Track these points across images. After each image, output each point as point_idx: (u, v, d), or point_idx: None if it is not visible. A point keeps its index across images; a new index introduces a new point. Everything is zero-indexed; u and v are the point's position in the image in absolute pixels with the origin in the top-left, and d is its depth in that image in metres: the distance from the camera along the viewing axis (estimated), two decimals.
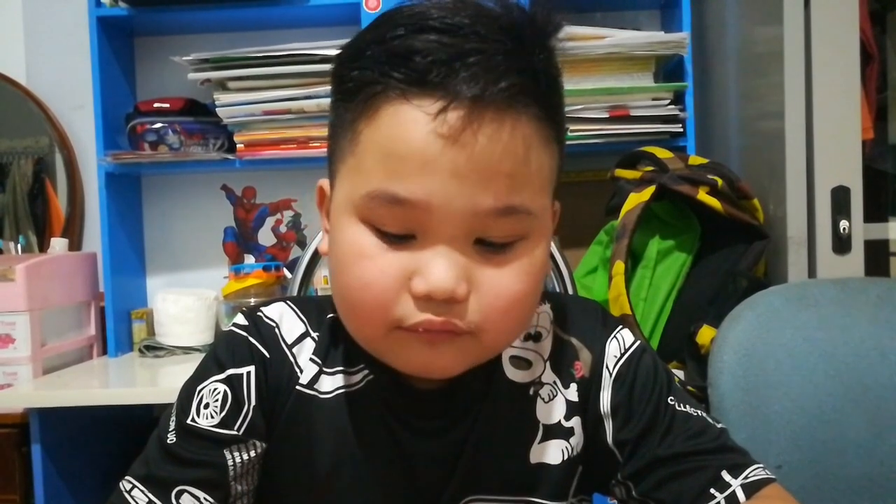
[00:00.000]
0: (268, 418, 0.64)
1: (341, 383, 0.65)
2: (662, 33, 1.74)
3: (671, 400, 0.65)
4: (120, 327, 1.92)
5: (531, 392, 0.66)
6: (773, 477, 0.62)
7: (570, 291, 1.06)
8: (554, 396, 0.66)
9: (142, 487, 0.61)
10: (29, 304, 1.70)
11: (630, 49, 1.67)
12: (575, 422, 0.65)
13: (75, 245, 2.09)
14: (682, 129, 1.70)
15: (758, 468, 0.62)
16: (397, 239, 0.55)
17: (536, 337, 0.67)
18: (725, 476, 0.61)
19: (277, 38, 1.83)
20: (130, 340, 1.96)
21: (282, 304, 0.68)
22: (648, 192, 1.43)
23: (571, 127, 1.67)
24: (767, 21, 1.49)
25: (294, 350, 0.66)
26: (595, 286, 1.57)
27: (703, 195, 1.42)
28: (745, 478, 0.61)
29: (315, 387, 0.65)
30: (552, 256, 1.04)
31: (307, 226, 2.11)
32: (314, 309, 0.68)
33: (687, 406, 0.65)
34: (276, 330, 0.66)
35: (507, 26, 0.54)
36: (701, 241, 1.51)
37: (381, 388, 0.64)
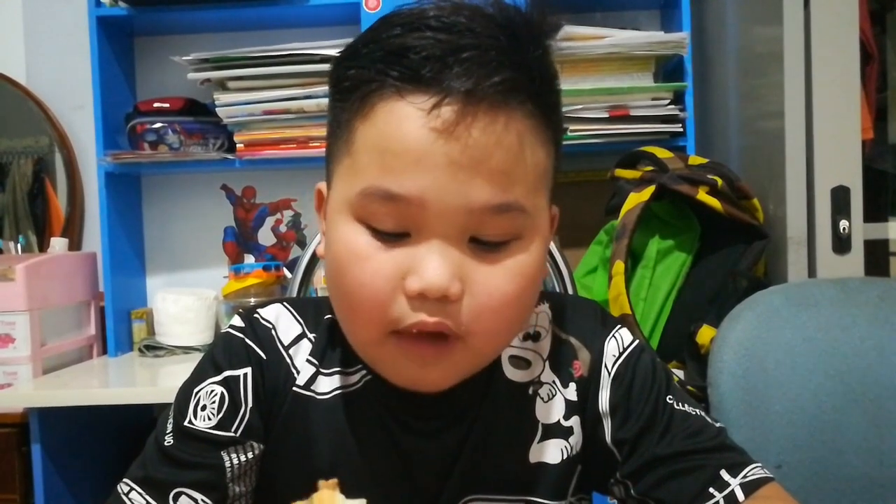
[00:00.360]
0: (265, 420, 0.64)
1: (338, 384, 0.65)
2: (662, 33, 1.74)
3: (670, 399, 0.65)
4: (120, 327, 1.92)
5: (530, 392, 0.66)
6: (771, 476, 0.62)
7: (570, 291, 1.06)
8: (553, 396, 0.66)
9: (139, 490, 0.61)
10: (29, 304, 1.70)
11: (630, 49, 1.67)
12: (574, 421, 0.65)
13: (75, 245, 2.09)
14: (681, 129, 1.70)
15: (756, 467, 0.62)
16: (392, 237, 0.55)
17: (535, 336, 0.67)
18: (724, 475, 0.61)
19: (277, 37, 1.83)
20: (130, 340, 1.96)
21: (278, 305, 0.68)
22: (648, 191, 1.43)
23: (571, 127, 1.67)
24: (767, 21, 1.49)
25: (291, 351, 0.66)
26: (595, 286, 1.57)
27: (702, 195, 1.42)
28: (744, 477, 0.61)
29: (312, 388, 0.65)
30: (552, 256, 1.04)
31: (307, 225, 2.11)
32: (311, 310, 0.68)
33: (685, 405, 0.65)
34: (273, 331, 0.66)
35: (502, 24, 0.55)
36: (701, 241, 1.51)
37: (378, 389, 0.64)
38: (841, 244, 1.40)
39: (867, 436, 0.97)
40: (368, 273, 0.55)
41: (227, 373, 0.63)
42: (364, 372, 0.65)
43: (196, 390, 0.63)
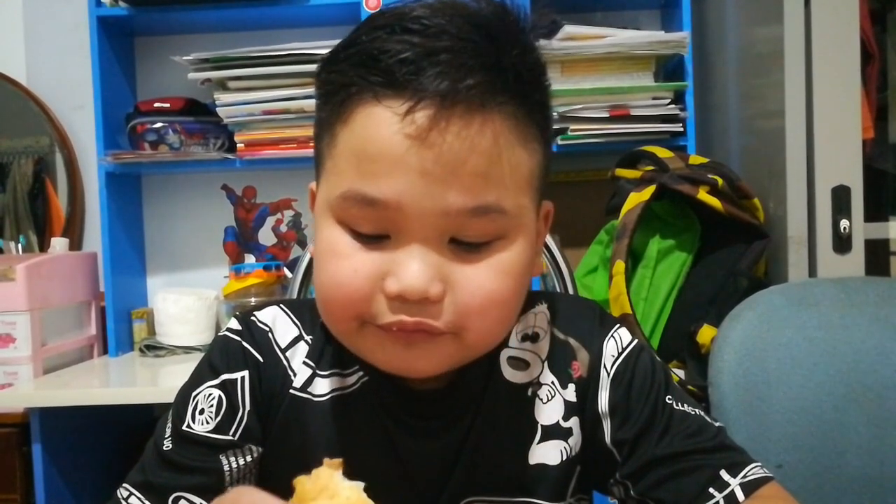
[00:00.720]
0: (263, 422, 0.64)
1: (335, 385, 0.65)
2: (663, 33, 1.74)
3: (669, 399, 0.65)
4: (120, 327, 1.92)
5: (529, 393, 0.65)
6: (771, 475, 0.62)
7: (571, 291, 1.06)
8: (552, 397, 0.66)
9: (139, 495, 0.62)
10: (29, 304, 1.70)
11: (630, 48, 1.67)
12: (573, 422, 0.65)
13: (75, 245, 2.09)
14: (682, 129, 1.70)
15: (756, 467, 0.62)
16: (372, 239, 0.55)
17: (534, 337, 0.67)
18: (724, 475, 0.61)
19: (277, 37, 1.83)
20: (131, 340, 1.96)
21: (275, 308, 0.68)
22: (649, 191, 1.43)
23: (571, 127, 1.67)
24: (767, 20, 1.49)
25: (287, 354, 0.66)
26: (595, 286, 1.57)
27: (703, 194, 1.42)
28: (744, 477, 0.61)
29: (309, 390, 0.65)
30: (552, 256, 1.04)
31: (307, 225, 2.11)
32: (308, 312, 0.68)
33: (685, 405, 0.65)
34: (270, 334, 0.66)
35: (479, 24, 0.54)
36: (701, 241, 1.51)
37: (375, 389, 0.64)
38: (841, 244, 1.40)
39: (867, 436, 0.96)
40: (346, 271, 0.55)
41: (225, 376, 0.63)
42: (361, 373, 0.65)
43: (194, 394, 0.63)
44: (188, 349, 1.86)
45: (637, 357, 0.66)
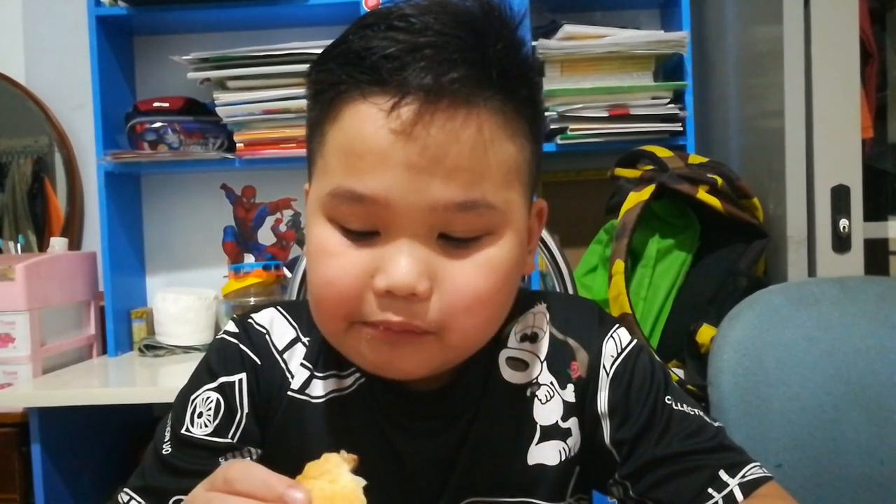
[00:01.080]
0: (261, 425, 0.64)
1: (333, 387, 0.65)
2: (662, 32, 1.74)
3: (668, 399, 0.64)
4: (120, 327, 1.92)
5: (528, 393, 0.65)
6: (770, 475, 0.62)
7: (570, 290, 1.06)
8: (551, 397, 0.65)
9: (139, 499, 0.62)
10: (29, 304, 1.70)
11: (630, 48, 1.67)
12: (572, 422, 0.65)
13: (75, 244, 2.09)
14: (681, 128, 1.70)
15: (755, 467, 0.62)
16: (361, 236, 0.55)
17: (533, 338, 0.67)
18: (723, 475, 0.61)
19: (277, 37, 1.83)
20: (130, 340, 1.96)
21: (272, 310, 0.68)
22: (648, 191, 1.43)
23: (571, 126, 1.67)
24: (767, 20, 1.49)
25: (285, 356, 0.66)
26: (595, 285, 1.57)
27: (702, 194, 1.42)
28: (743, 477, 0.61)
29: (306, 392, 0.65)
30: (552, 256, 1.04)
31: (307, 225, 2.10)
32: (305, 314, 0.67)
33: (684, 405, 0.65)
34: (267, 336, 0.66)
35: (464, 20, 0.55)
36: (701, 240, 1.51)
37: (373, 391, 0.64)
38: (841, 243, 1.40)
39: (867, 435, 0.96)
40: (336, 270, 0.55)
41: (223, 379, 0.64)
42: (358, 375, 0.65)
43: (192, 397, 0.64)
44: (187, 349, 1.86)
45: (636, 357, 0.66)
